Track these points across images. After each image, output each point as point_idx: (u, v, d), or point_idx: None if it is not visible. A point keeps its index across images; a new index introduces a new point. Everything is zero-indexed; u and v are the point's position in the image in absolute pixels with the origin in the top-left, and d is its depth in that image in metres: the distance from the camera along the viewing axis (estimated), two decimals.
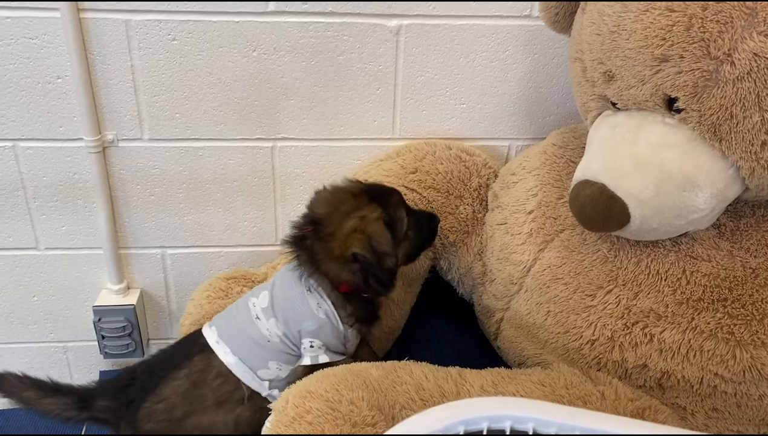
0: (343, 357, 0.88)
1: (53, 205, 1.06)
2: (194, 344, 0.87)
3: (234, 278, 1.06)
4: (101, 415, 0.86)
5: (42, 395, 0.87)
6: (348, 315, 0.86)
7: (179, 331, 1.01)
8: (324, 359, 0.85)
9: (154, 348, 1.22)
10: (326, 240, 0.84)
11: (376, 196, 0.86)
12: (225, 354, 0.85)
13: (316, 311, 0.85)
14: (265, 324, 0.86)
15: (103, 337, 1.13)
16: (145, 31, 0.96)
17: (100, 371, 1.18)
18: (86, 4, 0.93)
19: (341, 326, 0.86)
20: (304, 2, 0.97)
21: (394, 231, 0.85)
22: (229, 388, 0.85)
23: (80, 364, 1.22)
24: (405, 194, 1.00)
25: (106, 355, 1.16)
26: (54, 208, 1.07)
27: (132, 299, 1.14)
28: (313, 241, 0.85)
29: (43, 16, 0.93)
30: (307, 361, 0.85)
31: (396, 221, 0.85)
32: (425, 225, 0.91)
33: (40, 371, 1.20)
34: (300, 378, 0.78)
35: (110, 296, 1.13)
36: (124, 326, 1.13)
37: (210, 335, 0.87)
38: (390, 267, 0.84)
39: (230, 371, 0.85)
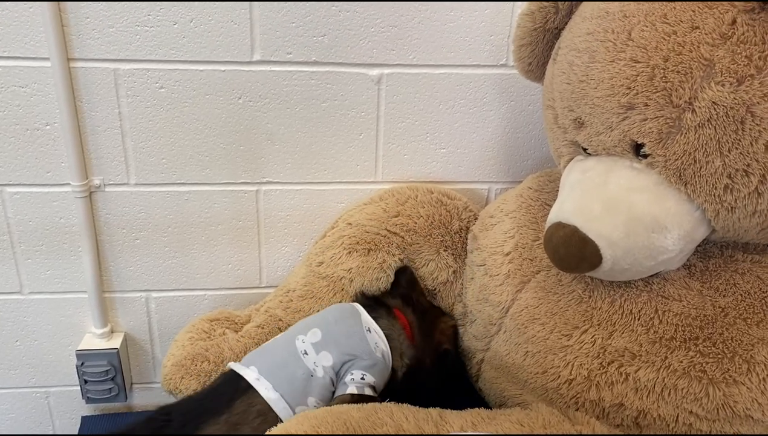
0: (377, 397, 0.90)
1: (38, 249, 1.07)
2: (235, 389, 0.87)
3: (217, 320, 1.06)
4: None
5: None
6: (402, 362, 0.94)
7: (162, 372, 1.01)
8: (369, 392, 0.88)
9: (137, 393, 1.21)
10: (427, 328, 0.98)
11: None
12: (267, 390, 0.86)
13: (374, 350, 0.90)
14: (314, 358, 0.88)
15: (85, 381, 1.13)
16: (133, 80, 0.99)
17: (82, 417, 1.17)
18: (76, 54, 0.96)
19: (390, 369, 0.92)
20: (289, 52, 1.00)
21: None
22: (269, 427, 0.85)
23: (62, 409, 1.21)
24: (387, 238, 1.04)
25: (89, 400, 1.15)
26: (39, 253, 1.08)
27: (115, 342, 1.14)
28: (415, 316, 0.98)
29: (33, 65, 0.96)
30: (353, 389, 0.87)
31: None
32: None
33: (20, 417, 1.20)
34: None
35: (94, 339, 1.13)
36: (107, 370, 1.12)
37: (249, 373, 0.87)
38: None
39: (270, 409, 0.85)
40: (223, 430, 0.84)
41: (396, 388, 0.94)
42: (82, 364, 1.12)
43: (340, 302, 1.02)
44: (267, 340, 1.00)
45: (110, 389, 1.15)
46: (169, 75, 0.99)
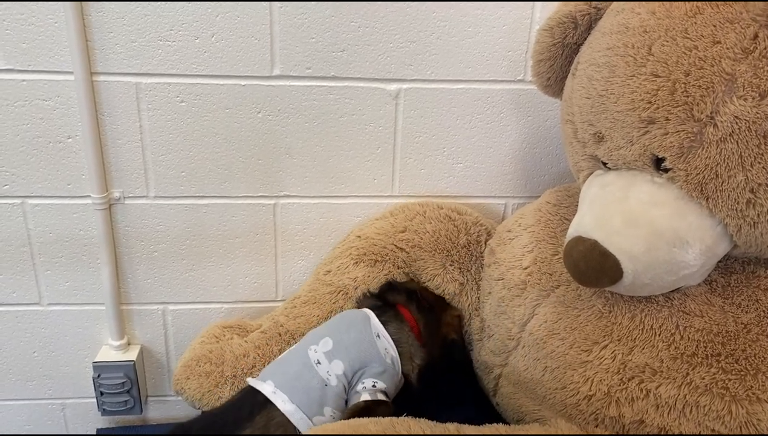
0: (390, 403, 0.91)
1: (58, 261, 1.08)
2: (253, 403, 0.87)
3: (230, 327, 1.08)
4: None
5: None
6: (413, 364, 0.95)
7: (173, 373, 1.03)
8: (382, 397, 0.89)
9: (152, 405, 1.21)
10: (434, 322, 0.99)
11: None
12: (283, 403, 0.86)
13: (383, 356, 0.91)
14: (326, 367, 0.89)
15: (101, 393, 1.13)
16: (155, 94, 1.00)
17: (97, 429, 1.17)
18: (99, 67, 0.97)
19: (400, 374, 0.93)
20: (308, 67, 1.01)
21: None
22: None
23: (77, 421, 1.21)
24: (394, 252, 1.06)
25: (104, 412, 1.15)
26: (59, 264, 1.09)
27: (132, 355, 1.14)
28: (421, 313, 0.98)
29: (57, 79, 0.97)
30: (366, 396, 0.87)
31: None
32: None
33: (36, 429, 1.20)
34: (353, 415, 0.84)
35: (110, 351, 1.14)
36: (123, 383, 1.13)
37: (266, 387, 0.88)
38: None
39: (289, 421, 0.85)
40: None
41: (413, 391, 0.95)
42: (99, 376, 1.12)
43: (342, 308, 1.04)
44: (267, 345, 1.02)
45: (126, 401, 1.15)
46: (189, 89, 1.00)
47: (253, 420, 0.86)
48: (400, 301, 0.99)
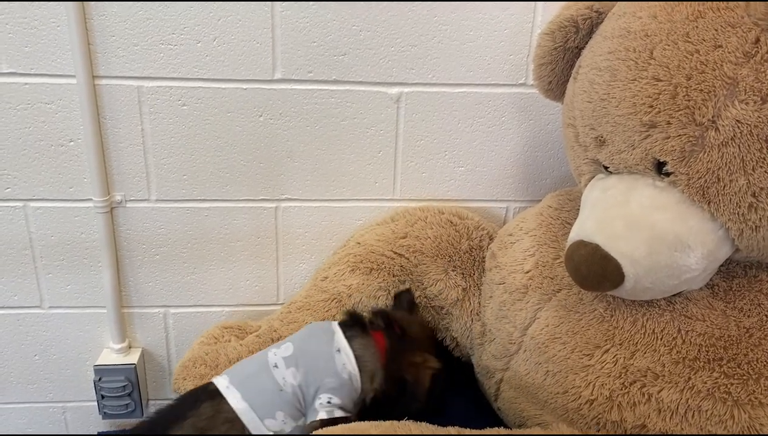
0: (350, 417, 0.89)
1: (59, 264, 1.08)
2: (202, 393, 0.88)
3: (230, 328, 1.08)
4: None
5: None
6: (372, 386, 0.91)
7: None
8: (339, 413, 0.87)
9: (153, 409, 1.21)
10: (400, 358, 0.92)
11: (441, 353, 0.99)
12: (235, 400, 0.86)
13: (340, 371, 0.89)
14: (283, 373, 0.88)
15: (102, 396, 1.13)
16: (156, 97, 1.00)
17: (98, 432, 1.17)
18: (101, 71, 0.98)
19: (360, 388, 0.91)
20: (310, 71, 1.01)
21: (433, 389, 0.92)
22: (235, 434, 0.85)
23: (78, 424, 1.21)
24: (392, 259, 1.06)
25: (105, 415, 1.15)
26: (60, 268, 1.09)
27: (133, 358, 1.14)
28: (395, 342, 0.93)
29: (59, 82, 0.97)
30: (323, 415, 0.86)
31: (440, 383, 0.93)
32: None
33: (37, 432, 1.20)
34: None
35: (111, 355, 1.14)
36: (124, 386, 1.13)
37: (221, 381, 0.88)
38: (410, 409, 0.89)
39: (237, 418, 0.85)
40: (190, 432, 0.85)
41: (362, 411, 0.92)
42: (100, 379, 1.12)
43: (335, 316, 1.04)
44: (261, 349, 1.01)
45: (127, 404, 1.15)
46: (191, 93, 1.01)
47: (198, 408, 0.86)
48: (378, 328, 0.95)
